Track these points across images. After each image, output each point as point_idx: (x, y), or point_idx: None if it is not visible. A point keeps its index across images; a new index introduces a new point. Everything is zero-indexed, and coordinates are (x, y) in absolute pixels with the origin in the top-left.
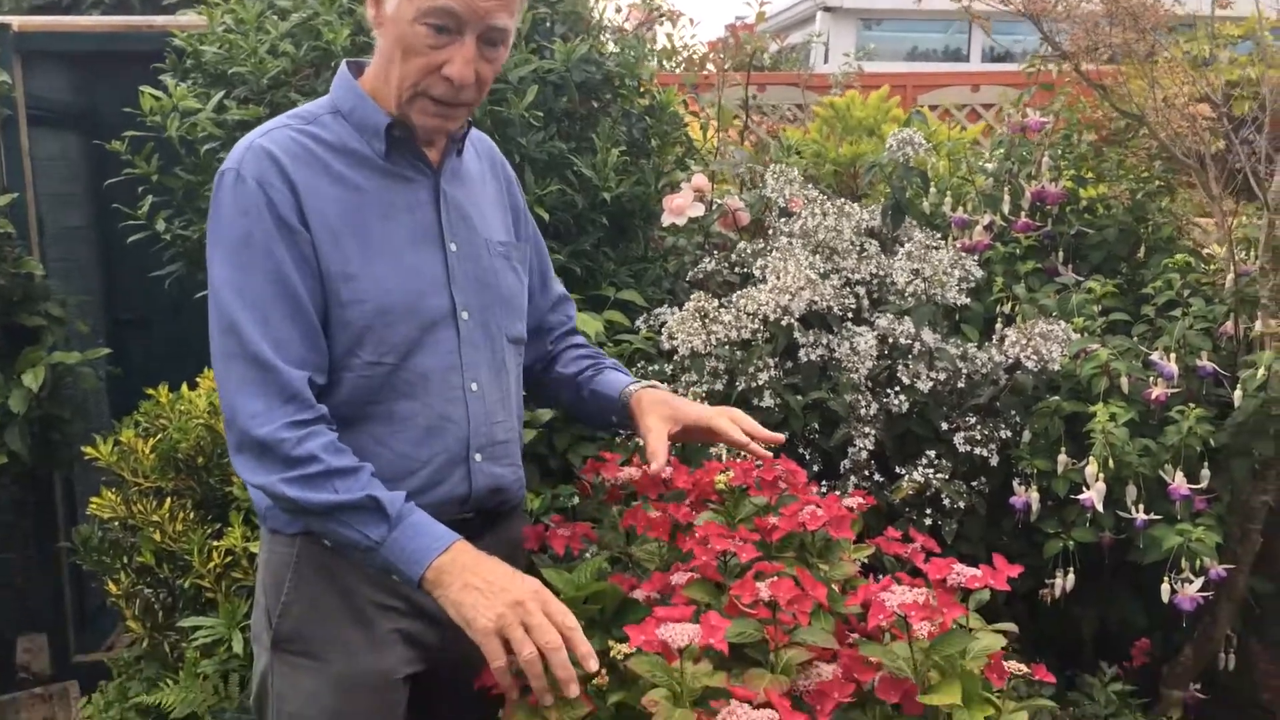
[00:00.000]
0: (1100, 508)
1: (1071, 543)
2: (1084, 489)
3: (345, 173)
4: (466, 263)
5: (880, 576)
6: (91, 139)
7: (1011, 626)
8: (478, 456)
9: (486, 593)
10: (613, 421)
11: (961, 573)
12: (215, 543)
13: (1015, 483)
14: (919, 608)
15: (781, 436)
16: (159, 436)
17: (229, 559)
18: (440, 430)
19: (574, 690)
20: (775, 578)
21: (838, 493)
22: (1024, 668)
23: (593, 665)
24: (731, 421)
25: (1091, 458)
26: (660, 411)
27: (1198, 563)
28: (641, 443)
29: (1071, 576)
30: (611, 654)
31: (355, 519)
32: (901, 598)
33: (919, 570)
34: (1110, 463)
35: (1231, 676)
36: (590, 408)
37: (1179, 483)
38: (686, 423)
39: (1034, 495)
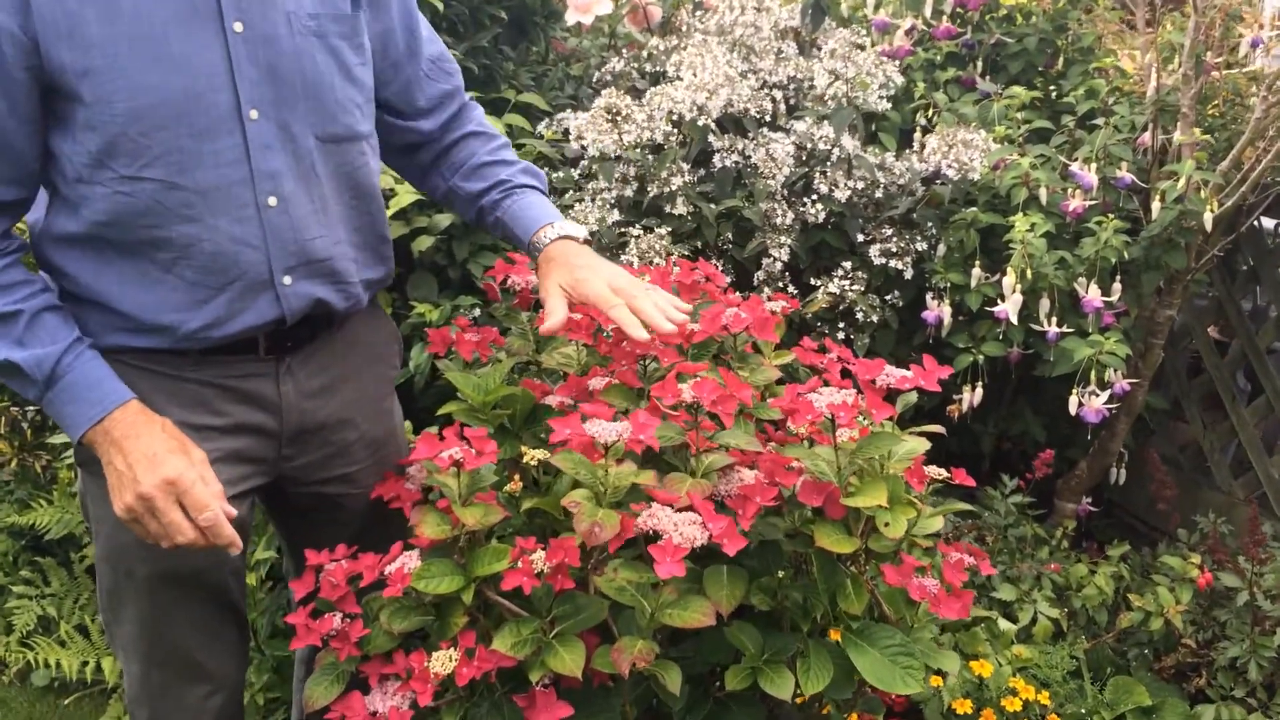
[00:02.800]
0: (1014, 320)
1: (981, 357)
2: (998, 302)
3: None
4: (257, 46)
5: None
6: None
7: (938, 429)
8: (286, 279)
9: (125, 477)
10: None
11: (891, 374)
12: None
13: (929, 297)
14: (848, 408)
15: (675, 326)
16: None
17: None
18: (231, 255)
19: (235, 551)
20: (698, 379)
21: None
22: (943, 472)
23: (234, 552)
24: (631, 313)
25: (1009, 268)
26: (562, 277)
27: (1105, 376)
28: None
29: (979, 391)
30: (524, 460)
31: (3, 375)
32: (830, 398)
33: (848, 373)
34: (1028, 274)
35: (1120, 491)
36: (497, 234)
37: (1093, 295)
38: (586, 299)
39: (946, 309)
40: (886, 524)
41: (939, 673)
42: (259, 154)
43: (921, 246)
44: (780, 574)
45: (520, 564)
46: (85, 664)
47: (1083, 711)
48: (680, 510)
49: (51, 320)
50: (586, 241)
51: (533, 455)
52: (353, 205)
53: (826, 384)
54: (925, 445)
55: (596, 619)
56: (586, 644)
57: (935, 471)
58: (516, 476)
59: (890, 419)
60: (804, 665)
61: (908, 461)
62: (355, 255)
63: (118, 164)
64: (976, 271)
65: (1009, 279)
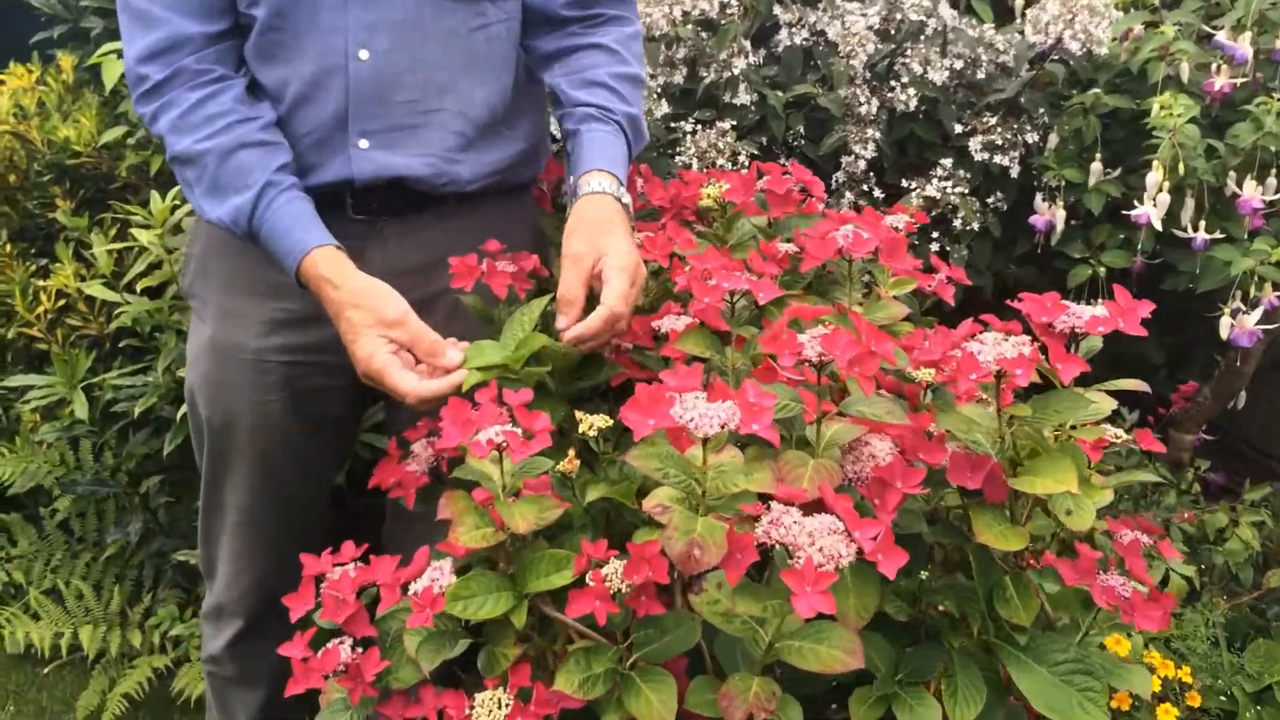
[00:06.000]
0: (1159, 225)
1: (1103, 269)
2: (1125, 202)
3: None
4: None
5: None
6: None
7: (1138, 384)
8: (362, 142)
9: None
10: None
11: (1075, 314)
12: (42, 282)
13: (1038, 198)
14: (1024, 363)
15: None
16: None
17: (62, 303)
18: (309, 101)
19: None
20: (824, 326)
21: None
22: (1123, 434)
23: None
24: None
25: (1157, 161)
26: (580, 246)
27: (1251, 290)
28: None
29: (1102, 309)
30: (580, 430)
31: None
32: (997, 349)
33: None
34: (1179, 168)
35: (1228, 413)
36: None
37: (1250, 193)
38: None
39: (1060, 212)
40: (1069, 512)
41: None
42: (360, 1)
43: (1031, 138)
44: (924, 574)
45: (590, 580)
46: (60, 635)
47: (1220, 683)
48: (806, 509)
49: (245, 159)
50: (627, 210)
51: (591, 423)
52: (467, 73)
53: (986, 326)
54: (1112, 405)
55: (687, 643)
56: (674, 673)
57: (1114, 434)
58: (572, 453)
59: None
60: (949, 688)
61: (1099, 431)
62: (460, 129)
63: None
64: (1096, 166)
65: (1154, 175)
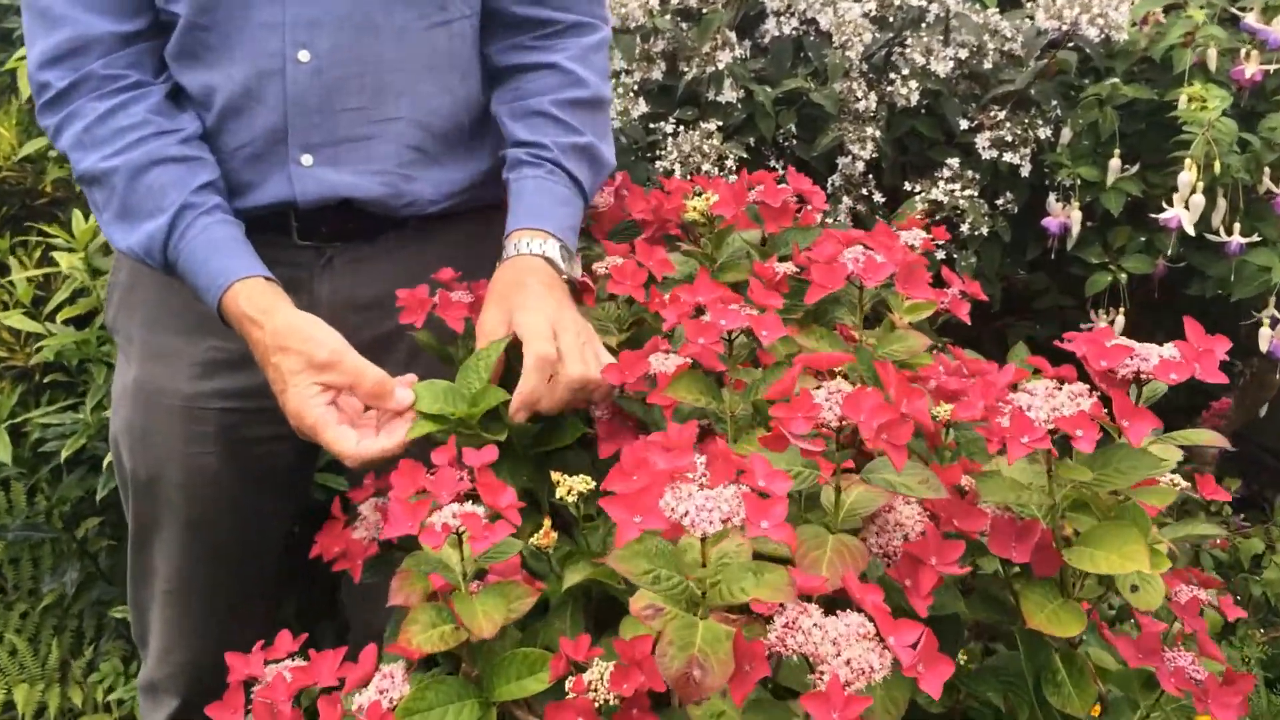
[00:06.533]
0: (1191, 230)
1: (1124, 276)
2: (1161, 205)
3: None
4: None
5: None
6: None
7: (1215, 438)
8: (305, 158)
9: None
10: None
11: (1143, 355)
12: None
13: (1051, 198)
14: (1085, 422)
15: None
16: None
17: None
18: (241, 111)
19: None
20: (842, 383)
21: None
22: (1183, 482)
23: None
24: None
25: (1189, 159)
26: (488, 320)
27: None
28: None
29: (1122, 319)
30: (558, 495)
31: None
32: (1051, 403)
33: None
34: (1215, 166)
35: (1250, 425)
36: None
37: None
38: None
39: (1075, 214)
40: (1135, 589)
41: None
42: None
43: (1043, 133)
44: (961, 657)
45: (570, 688)
46: None
47: None
48: (820, 605)
49: (158, 177)
50: (568, 280)
51: (569, 486)
52: (426, 76)
53: (1036, 373)
54: (1178, 456)
55: None
56: None
57: (1174, 482)
58: (547, 524)
59: (1155, 430)
60: None
61: (1167, 495)
62: (419, 142)
63: None
64: (1115, 162)
65: (1187, 174)
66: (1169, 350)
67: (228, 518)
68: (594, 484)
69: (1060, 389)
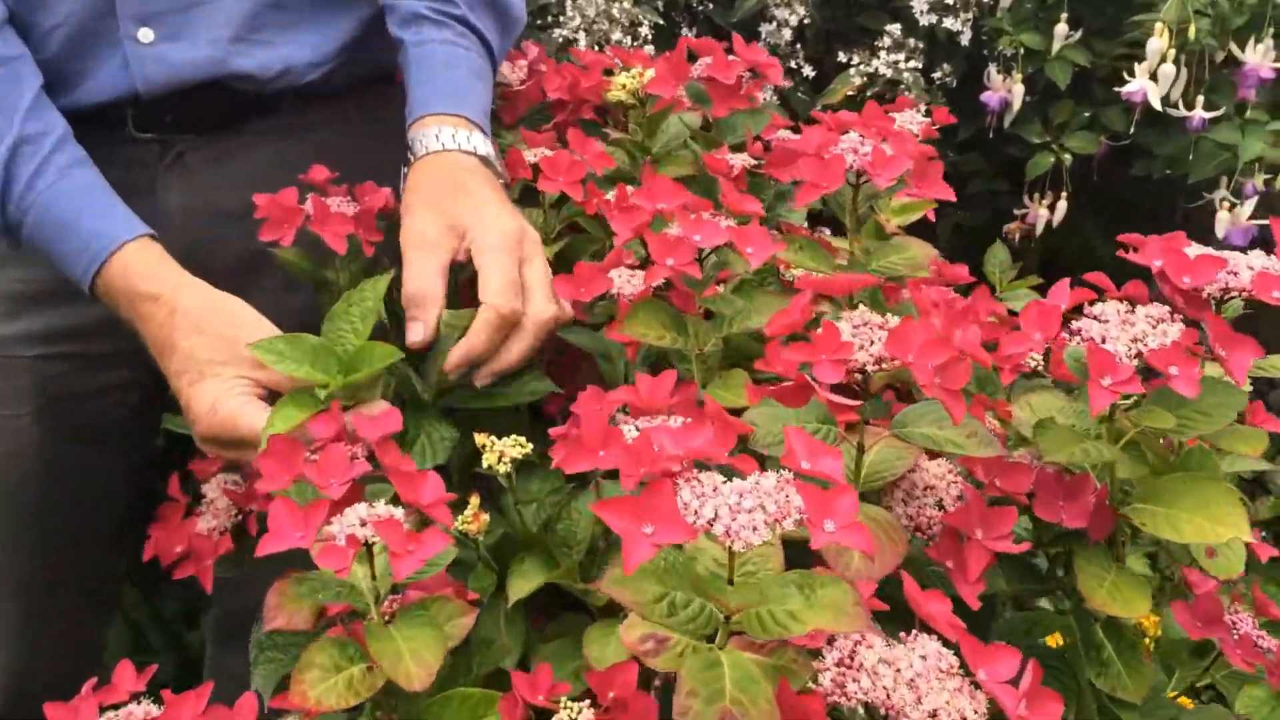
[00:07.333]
0: (1158, 103)
1: (1068, 156)
2: (1125, 77)
3: None
4: None
5: None
6: None
7: None
8: (142, 33)
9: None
10: None
11: (1233, 269)
12: None
13: (991, 70)
14: (1182, 355)
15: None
16: None
17: None
18: None
19: None
20: (866, 312)
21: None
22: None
23: None
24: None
25: (1160, 23)
26: (424, 226)
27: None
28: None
29: (1063, 203)
30: (485, 464)
31: None
32: (1130, 330)
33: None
34: (1191, 31)
35: None
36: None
37: (1259, 59)
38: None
39: (1017, 87)
40: (1212, 553)
41: None
42: None
43: None
44: None
45: None
46: None
47: None
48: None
49: None
50: (487, 163)
51: (500, 452)
52: None
53: (1099, 292)
54: (1248, 388)
55: None
56: None
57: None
58: (475, 502)
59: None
60: None
61: (1259, 440)
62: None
63: None
64: (1061, 28)
65: (1157, 40)
66: (1270, 260)
67: (51, 491)
68: (530, 448)
69: (1133, 312)
